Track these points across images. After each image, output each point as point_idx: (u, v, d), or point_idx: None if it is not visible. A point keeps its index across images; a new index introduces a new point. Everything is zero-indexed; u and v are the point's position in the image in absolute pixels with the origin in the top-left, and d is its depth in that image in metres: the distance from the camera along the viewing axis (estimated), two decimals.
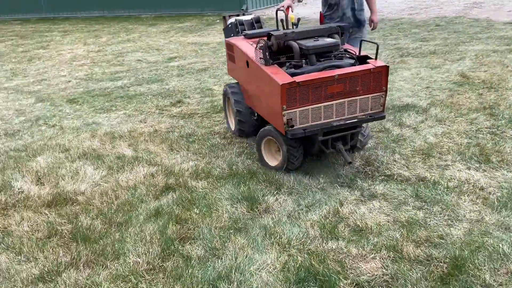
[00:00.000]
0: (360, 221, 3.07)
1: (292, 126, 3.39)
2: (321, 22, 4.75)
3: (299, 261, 2.68)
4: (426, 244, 2.79)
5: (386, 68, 3.50)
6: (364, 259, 2.69)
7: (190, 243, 2.94)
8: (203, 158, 4.19)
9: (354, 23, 4.73)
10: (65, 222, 3.28)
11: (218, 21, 13.15)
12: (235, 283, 2.54)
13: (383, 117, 3.64)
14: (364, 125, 3.81)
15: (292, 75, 3.39)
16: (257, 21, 4.77)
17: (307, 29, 3.72)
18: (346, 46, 3.93)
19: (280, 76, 3.38)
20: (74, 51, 10.62)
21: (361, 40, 3.83)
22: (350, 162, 3.57)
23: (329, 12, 4.80)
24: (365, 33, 4.93)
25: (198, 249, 2.86)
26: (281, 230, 3.00)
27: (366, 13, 4.89)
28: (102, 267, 2.75)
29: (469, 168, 3.70)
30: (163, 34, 11.93)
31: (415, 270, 2.56)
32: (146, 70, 8.11)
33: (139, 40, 11.41)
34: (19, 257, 2.91)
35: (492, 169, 3.67)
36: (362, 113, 3.58)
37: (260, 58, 3.64)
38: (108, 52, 10.17)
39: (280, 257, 2.75)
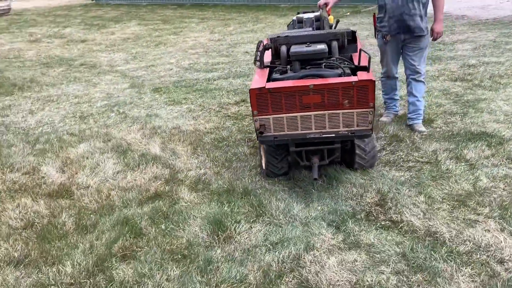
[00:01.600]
0: (314, 275, 2.60)
1: (261, 132, 3.25)
2: (374, 24, 4.45)
3: None
4: None
5: (371, 83, 3.08)
6: None
7: (128, 262, 2.80)
8: (216, 167, 3.99)
9: (403, 29, 4.24)
10: (47, 215, 3.40)
11: (348, 14, 12.53)
12: None
13: (367, 136, 3.28)
14: (365, 141, 3.51)
15: (275, 80, 3.26)
16: (318, 20, 4.45)
17: (305, 34, 3.57)
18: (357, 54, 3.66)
19: (257, 81, 3.29)
20: (198, 39, 11.09)
21: (360, 49, 3.54)
22: (315, 178, 3.32)
23: (380, 14, 4.37)
24: (424, 43, 4.32)
25: (128, 272, 2.71)
26: (222, 268, 2.69)
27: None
28: (36, 271, 2.77)
29: (502, 230, 2.89)
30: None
31: None
32: (244, 63, 8.08)
33: (261, 30, 11.45)
34: None
35: None
36: (346, 129, 3.22)
37: (256, 60, 3.60)
38: (226, 42, 10.40)
39: None
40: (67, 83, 7.58)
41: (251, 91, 3.19)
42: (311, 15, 4.58)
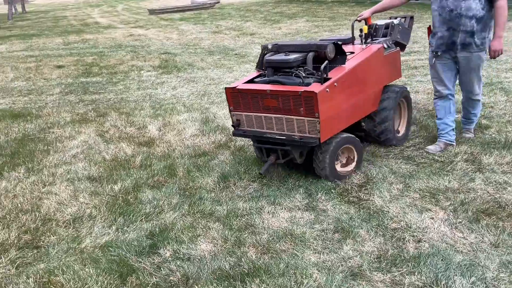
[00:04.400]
0: (260, 220, 3.37)
1: (234, 126, 3.91)
2: (428, 38, 4.43)
3: (159, 226, 3.38)
4: (263, 255, 2.99)
5: (315, 94, 3.37)
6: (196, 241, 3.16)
7: (153, 190, 3.96)
8: None
9: (449, 46, 4.11)
10: (129, 154, 4.78)
11: None
12: (119, 209, 3.49)
13: (314, 143, 3.57)
14: (318, 156, 3.74)
15: (254, 83, 3.82)
16: (387, 27, 4.60)
17: (291, 43, 3.93)
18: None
19: (237, 81, 3.89)
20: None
21: (327, 63, 3.61)
22: (260, 173, 3.81)
23: (433, 28, 4.25)
24: (475, 61, 4.09)
25: (148, 195, 3.86)
26: (206, 204, 3.65)
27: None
28: (99, 186, 4.13)
29: (445, 220, 3.22)
30: None
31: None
32: None
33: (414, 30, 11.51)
34: (83, 165, 4.59)
35: (469, 230, 3.11)
36: (299, 134, 3.61)
37: (257, 64, 4.13)
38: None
39: (172, 216, 3.50)
40: (213, 69, 9.14)
41: (226, 89, 3.82)
42: (381, 22, 4.69)
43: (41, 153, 4.95)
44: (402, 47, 4.67)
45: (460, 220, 3.20)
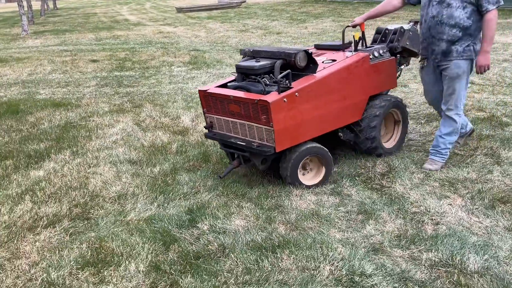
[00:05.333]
0: (289, 201, 3.66)
1: (206, 128, 4.03)
2: None
3: (196, 203, 3.70)
4: (292, 231, 3.27)
5: (268, 104, 3.33)
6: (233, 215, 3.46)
7: (189, 173, 4.28)
8: None
9: (429, 53, 3.96)
10: (165, 142, 5.12)
11: None
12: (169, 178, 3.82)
13: (268, 152, 3.53)
14: (282, 162, 3.74)
15: (226, 87, 3.84)
16: (395, 33, 4.32)
17: (264, 50, 3.84)
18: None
19: (212, 84, 3.99)
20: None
21: (289, 71, 3.57)
22: (220, 176, 3.89)
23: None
24: (454, 71, 3.82)
25: (185, 177, 4.18)
26: (239, 186, 3.95)
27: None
28: (139, 168, 4.47)
29: (463, 206, 3.46)
30: None
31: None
32: None
33: None
34: (123, 150, 4.94)
35: (485, 215, 3.34)
36: (259, 141, 3.61)
37: None
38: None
39: (208, 196, 3.81)
40: None
41: (199, 91, 3.89)
42: (391, 27, 4.44)
43: (83, 139, 5.32)
44: (413, 53, 4.42)
45: (477, 207, 3.42)
